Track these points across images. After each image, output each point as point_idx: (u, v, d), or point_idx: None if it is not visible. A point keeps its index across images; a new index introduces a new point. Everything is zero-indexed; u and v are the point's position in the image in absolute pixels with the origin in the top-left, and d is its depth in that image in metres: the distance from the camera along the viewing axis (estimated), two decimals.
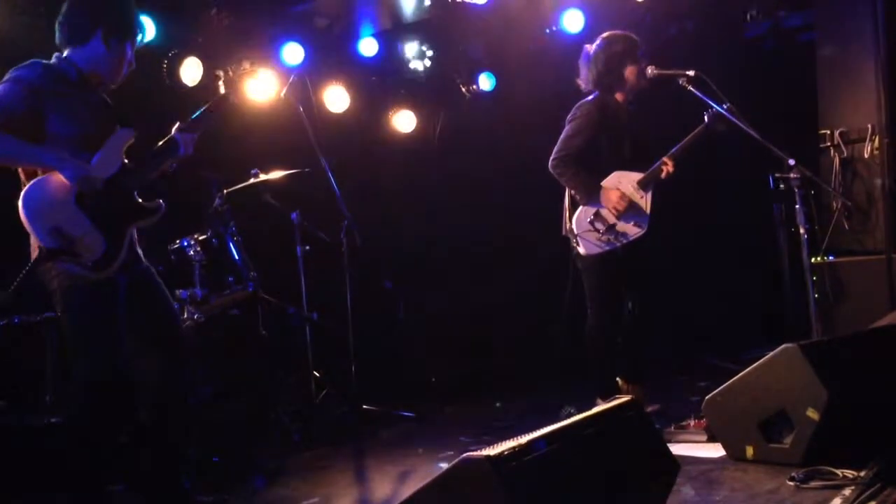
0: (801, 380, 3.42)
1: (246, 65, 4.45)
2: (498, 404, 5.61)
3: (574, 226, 4.55)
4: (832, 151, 5.61)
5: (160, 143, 3.42)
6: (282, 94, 5.62)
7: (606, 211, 4.52)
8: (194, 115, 3.50)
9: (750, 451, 3.59)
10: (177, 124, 3.45)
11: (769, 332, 6.11)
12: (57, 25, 3.31)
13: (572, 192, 4.61)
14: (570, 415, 3.37)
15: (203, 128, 3.51)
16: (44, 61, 3.23)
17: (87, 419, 3.18)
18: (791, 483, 3.23)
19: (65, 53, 3.29)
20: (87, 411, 3.18)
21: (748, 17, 6.67)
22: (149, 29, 5.15)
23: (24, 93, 3.08)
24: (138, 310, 3.31)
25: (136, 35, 3.40)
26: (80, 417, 3.20)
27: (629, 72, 4.59)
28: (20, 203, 3.03)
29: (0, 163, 3.12)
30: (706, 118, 4.52)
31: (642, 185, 4.54)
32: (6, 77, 3.13)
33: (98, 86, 3.36)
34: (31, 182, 3.09)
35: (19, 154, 3.10)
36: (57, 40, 3.31)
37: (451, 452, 4.29)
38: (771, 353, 3.55)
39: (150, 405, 3.37)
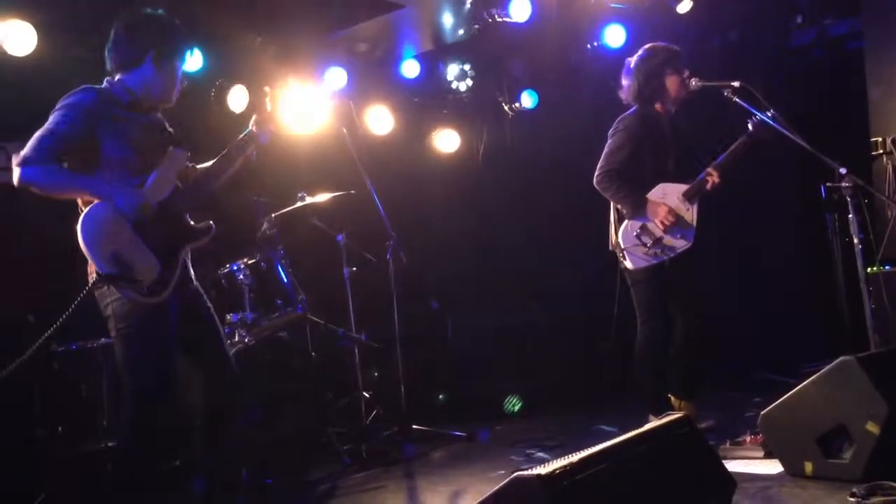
0: (859, 393, 3.33)
1: (288, 82, 4.55)
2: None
3: (621, 240, 4.51)
4: (885, 159, 5.49)
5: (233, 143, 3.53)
6: (326, 119, 5.70)
7: (653, 225, 4.48)
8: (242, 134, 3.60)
9: (809, 467, 3.50)
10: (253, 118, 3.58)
11: (825, 344, 5.97)
12: (106, 52, 3.37)
13: (618, 206, 4.58)
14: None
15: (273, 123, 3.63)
16: (95, 86, 3.30)
17: (138, 441, 3.22)
18: (852, 499, 3.14)
19: (116, 78, 3.36)
20: (138, 433, 3.22)
21: (793, 26, 6.59)
22: (196, 59, 5.26)
23: (79, 118, 3.15)
24: (188, 332, 3.35)
25: (184, 56, 3.45)
26: (132, 439, 3.24)
27: (670, 81, 4.56)
28: (79, 229, 3.08)
29: (54, 194, 3.18)
30: (749, 126, 4.46)
31: (688, 196, 4.50)
32: (59, 105, 3.20)
33: (151, 109, 3.42)
34: (89, 208, 3.14)
35: (71, 186, 3.17)
36: (108, 66, 3.38)
37: (503, 472, 4.27)
38: (828, 367, 3.47)
39: (200, 427, 3.41)
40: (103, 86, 3.33)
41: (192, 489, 3.47)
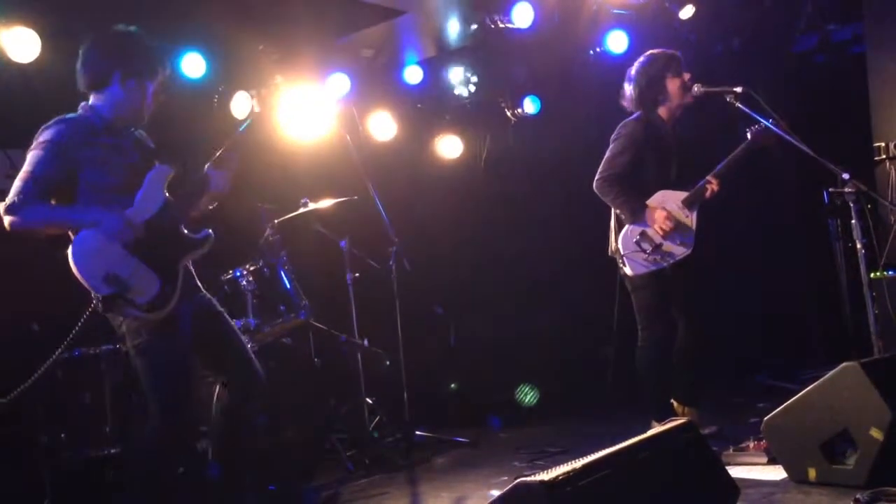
0: (863, 399, 3.33)
1: (276, 80, 4.44)
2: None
3: (620, 246, 4.50)
4: (888, 164, 5.50)
5: (193, 181, 3.43)
6: (329, 124, 5.71)
7: (652, 230, 4.47)
8: (220, 151, 3.50)
9: (812, 472, 3.50)
10: (208, 163, 3.47)
11: (828, 350, 5.97)
12: (77, 72, 3.31)
13: (617, 211, 4.57)
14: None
15: (235, 162, 3.49)
16: (68, 116, 3.24)
17: (156, 452, 3.23)
18: None
19: (90, 100, 3.31)
20: (156, 444, 3.22)
21: (796, 31, 6.59)
22: (199, 65, 5.27)
23: (56, 157, 3.11)
24: (206, 338, 3.35)
25: (156, 74, 3.36)
26: (149, 451, 3.25)
27: (671, 85, 4.55)
28: (70, 258, 3.05)
29: (44, 231, 3.16)
30: (748, 135, 4.46)
31: (687, 204, 4.49)
32: (35, 141, 3.16)
33: (125, 128, 3.35)
34: (78, 234, 3.11)
35: (56, 220, 3.14)
36: (79, 86, 3.32)
37: (506, 478, 4.26)
38: (831, 372, 3.46)
39: (219, 429, 3.43)
40: (78, 113, 3.27)
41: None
